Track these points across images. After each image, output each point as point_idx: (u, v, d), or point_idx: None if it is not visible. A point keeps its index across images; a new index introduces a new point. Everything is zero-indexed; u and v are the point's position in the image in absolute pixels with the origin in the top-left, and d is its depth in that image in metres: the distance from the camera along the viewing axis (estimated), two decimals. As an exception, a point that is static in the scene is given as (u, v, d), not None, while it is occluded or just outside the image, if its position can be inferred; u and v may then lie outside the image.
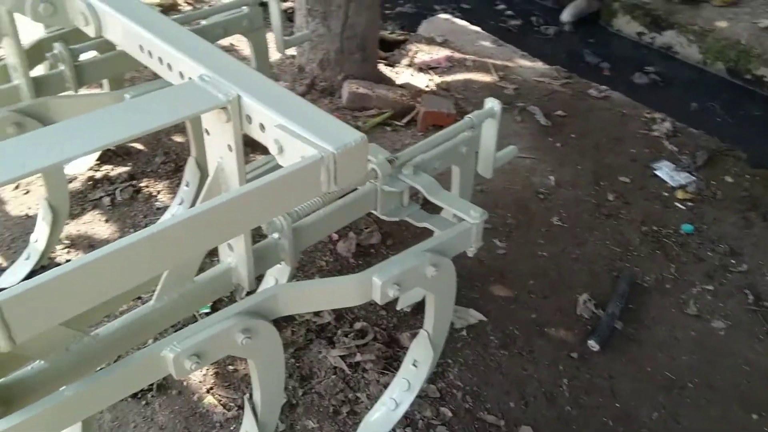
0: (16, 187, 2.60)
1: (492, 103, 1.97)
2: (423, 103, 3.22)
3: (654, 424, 1.94)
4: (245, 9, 2.44)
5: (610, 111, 3.51)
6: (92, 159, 2.75)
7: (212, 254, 1.55)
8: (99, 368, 1.31)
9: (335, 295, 1.50)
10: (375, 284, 1.47)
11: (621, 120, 3.43)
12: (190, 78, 1.36)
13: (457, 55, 3.97)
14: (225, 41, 3.61)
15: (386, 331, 2.11)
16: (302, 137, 1.17)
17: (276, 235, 1.60)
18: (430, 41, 4.14)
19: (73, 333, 1.30)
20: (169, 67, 1.43)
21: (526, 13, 5.25)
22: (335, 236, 2.45)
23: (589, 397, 2.00)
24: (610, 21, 5.01)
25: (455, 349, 2.09)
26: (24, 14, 1.62)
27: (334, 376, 1.97)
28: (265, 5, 2.44)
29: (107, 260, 0.96)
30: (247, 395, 1.67)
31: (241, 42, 3.74)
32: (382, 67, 3.80)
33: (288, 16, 3.89)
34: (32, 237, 2.24)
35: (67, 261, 1.56)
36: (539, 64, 3.99)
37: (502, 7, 5.31)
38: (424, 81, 3.66)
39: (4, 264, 2.26)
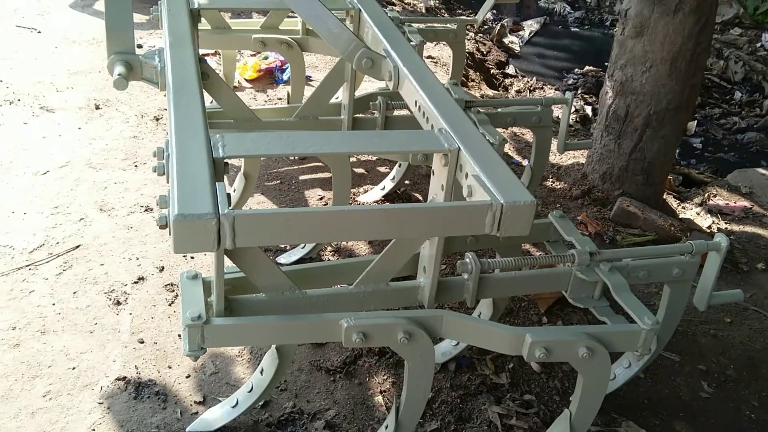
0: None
1: (720, 238, 2.03)
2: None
3: None
4: (539, 107, 2.80)
5: None
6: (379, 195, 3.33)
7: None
8: (296, 314, 1.74)
9: (490, 338, 1.74)
10: (526, 341, 1.68)
11: None
12: (431, 126, 1.76)
13: (756, 208, 3.82)
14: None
15: (551, 412, 2.23)
16: (485, 186, 1.49)
17: (465, 276, 1.90)
18: (734, 189, 4.04)
19: (291, 284, 1.74)
20: (426, 119, 1.85)
21: None
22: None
23: None
24: None
25: (610, 457, 2.13)
26: (353, 65, 2.18)
27: (486, 428, 2.16)
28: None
29: (305, 215, 1.38)
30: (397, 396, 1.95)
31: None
32: (671, 199, 3.85)
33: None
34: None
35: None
36: None
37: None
38: (708, 222, 3.62)
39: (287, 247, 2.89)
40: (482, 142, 1.66)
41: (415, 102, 1.94)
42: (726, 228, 3.57)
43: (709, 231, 3.48)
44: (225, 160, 1.53)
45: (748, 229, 3.60)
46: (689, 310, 2.76)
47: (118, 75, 2.03)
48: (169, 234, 1.29)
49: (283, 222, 1.35)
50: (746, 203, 3.88)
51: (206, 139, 1.52)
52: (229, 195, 1.38)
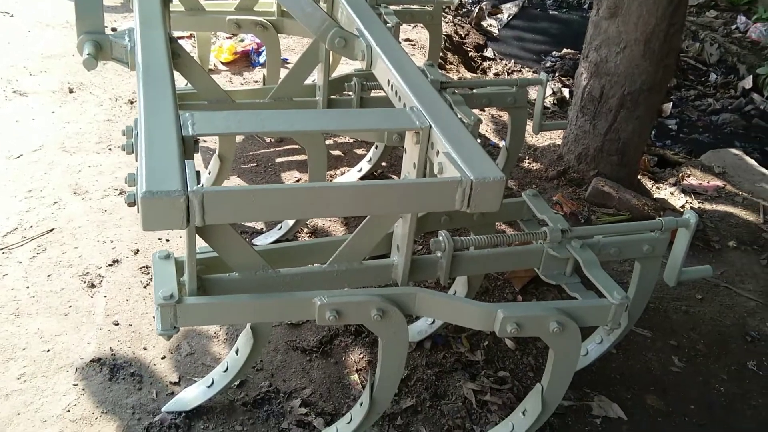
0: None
1: (689, 215, 2.06)
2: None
3: None
4: (514, 88, 2.81)
5: None
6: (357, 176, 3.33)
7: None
8: (269, 292, 1.75)
9: (462, 314, 1.76)
10: (498, 317, 1.70)
11: None
12: (404, 105, 1.76)
13: (729, 188, 3.88)
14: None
15: (525, 388, 2.26)
16: (456, 163, 1.50)
17: (438, 254, 1.91)
18: (707, 169, 4.09)
19: (264, 263, 1.74)
20: (399, 97, 1.85)
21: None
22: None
23: None
24: None
25: (581, 431, 2.16)
26: (325, 45, 2.18)
27: (461, 404, 2.18)
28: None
29: (275, 192, 1.38)
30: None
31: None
32: (646, 180, 3.89)
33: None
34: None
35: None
36: (821, 223, 3.71)
37: (813, 160, 4.95)
38: (682, 202, 3.66)
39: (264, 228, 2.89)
40: (454, 120, 1.66)
41: (388, 81, 1.94)
42: (699, 207, 3.62)
43: (682, 210, 3.53)
44: (195, 139, 1.53)
45: (721, 208, 3.65)
46: (661, 288, 2.82)
47: (88, 54, 2.01)
48: (138, 211, 1.29)
49: (252, 198, 1.36)
50: (719, 183, 3.93)
51: (175, 118, 1.51)
52: (198, 172, 1.38)
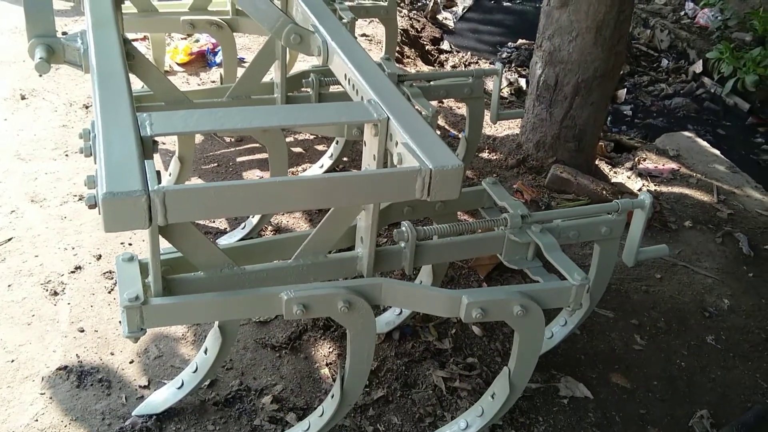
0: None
1: (644, 196, 2.12)
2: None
3: None
4: (470, 79, 2.85)
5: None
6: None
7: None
8: (235, 290, 1.75)
9: (428, 302, 1.79)
10: (463, 302, 1.73)
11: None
12: (362, 99, 1.78)
13: (683, 170, 3.98)
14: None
15: (493, 373, 2.30)
16: (414, 153, 1.52)
17: (402, 244, 1.93)
18: (662, 153, 4.20)
19: (229, 261, 1.75)
20: (356, 91, 1.87)
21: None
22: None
23: (663, 499, 1.99)
24: None
25: (550, 411, 2.21)
26: (281, 41, 2.18)
27: (431, 392, 2.21)
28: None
29: (237, 188, 1.39)
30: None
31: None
32: (603, 165, 3.97)
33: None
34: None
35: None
36: (772, 200, 3.84)
37: (761, 140, 5.12)
38: (638, 185, 3.75)
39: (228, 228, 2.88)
40: (411, 112, 1.69)
41: (345, 75, 1.95)
42: (655, 190, 3.71)
43: (639, 193, 3.61)
44: (154, 139, 1.52)
45: (676, 189, 3.75)
46: (622, 269, 2.89)
47: (40, 58, 1.98)
48: (99, 213, 1.28)
49: (214, 195, 1.36)
50: (674, 165, 4.04)
51: (133, 118, 1.50)
52: (158, 172, 1.38)
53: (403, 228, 1.91)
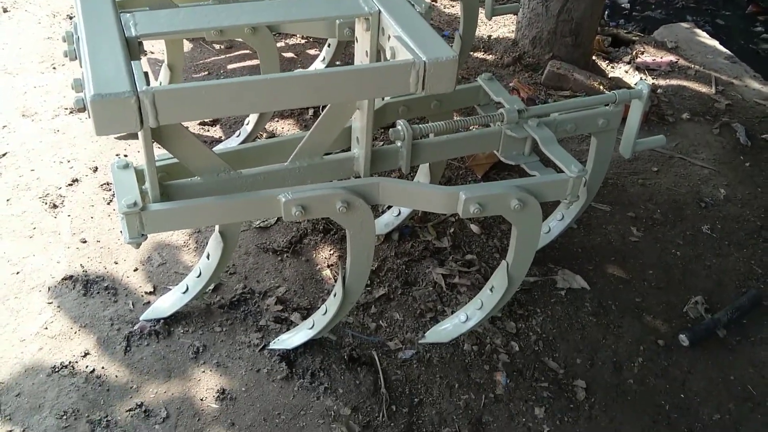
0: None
1: (642, 86, 2.09)
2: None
3: (711, 423, 1.96)
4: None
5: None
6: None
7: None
8: (233, 193, 1.75)
9: (426, 199, 1.79)
10: (460, 198, 1.73)
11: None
12: (352, -7, 1.72)
13: (682, 62, 3.91)
14: None
15: (491, 269, 2.34)
16: (408, 45, 1.49)
17: (398, 143, 1.92)
18: (660, 45, 4.11)
19: (225, 165, 1.74)
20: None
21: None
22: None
23: (657, 380, 2.06)
24: None
25: (547, 303, 2.26)
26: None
27: (431, 288, 2.26)
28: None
29: (227, 86, 1.36)
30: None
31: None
32: (600, 60, 3.90)
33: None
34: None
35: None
36: (770, 89, 3.79)
37: (760, 29, 5.00)
38: (636, 79, 3.69)
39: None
40: (403, 4, 1.64)
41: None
42: (653, 83, 3.66)
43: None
44: (140, 41, 1.48)
45: (674, 82, 3.70)
46: (619, 163, 2.89)
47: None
48: (88, 117, 1.27)
49: (205, 94, 1.34)
50: (672, 57, 3.96)
51: (116, 19, 1.46)
52: (146, 73, 1.35)
53: (399, 126, 1.89)
